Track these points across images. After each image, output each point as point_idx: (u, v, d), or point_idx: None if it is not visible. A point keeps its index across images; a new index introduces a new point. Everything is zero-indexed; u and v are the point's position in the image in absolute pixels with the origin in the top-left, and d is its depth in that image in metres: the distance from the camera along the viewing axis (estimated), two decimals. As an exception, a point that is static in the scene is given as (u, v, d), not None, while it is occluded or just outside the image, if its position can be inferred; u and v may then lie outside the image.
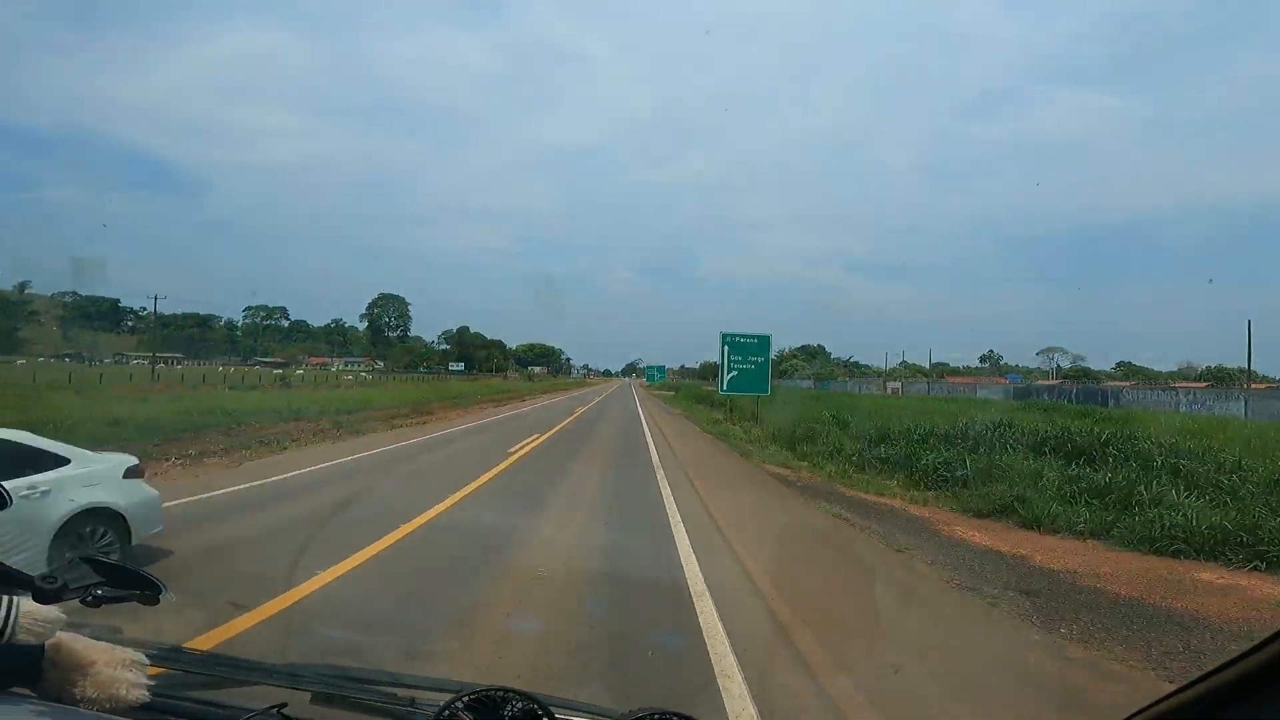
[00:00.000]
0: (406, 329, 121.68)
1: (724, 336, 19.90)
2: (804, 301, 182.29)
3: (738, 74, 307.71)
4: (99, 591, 1.12)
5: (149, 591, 1.18)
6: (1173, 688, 0.86)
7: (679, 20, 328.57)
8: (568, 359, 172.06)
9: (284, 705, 1.17)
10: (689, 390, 55.50)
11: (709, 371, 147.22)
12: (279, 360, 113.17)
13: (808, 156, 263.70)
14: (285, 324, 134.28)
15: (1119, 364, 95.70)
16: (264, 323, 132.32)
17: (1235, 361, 56.59)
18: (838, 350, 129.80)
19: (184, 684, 1.28)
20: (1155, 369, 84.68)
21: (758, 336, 20.19)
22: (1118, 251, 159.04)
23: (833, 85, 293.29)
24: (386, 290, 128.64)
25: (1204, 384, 60.17)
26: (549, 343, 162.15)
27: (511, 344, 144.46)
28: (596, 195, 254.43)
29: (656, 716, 1.16)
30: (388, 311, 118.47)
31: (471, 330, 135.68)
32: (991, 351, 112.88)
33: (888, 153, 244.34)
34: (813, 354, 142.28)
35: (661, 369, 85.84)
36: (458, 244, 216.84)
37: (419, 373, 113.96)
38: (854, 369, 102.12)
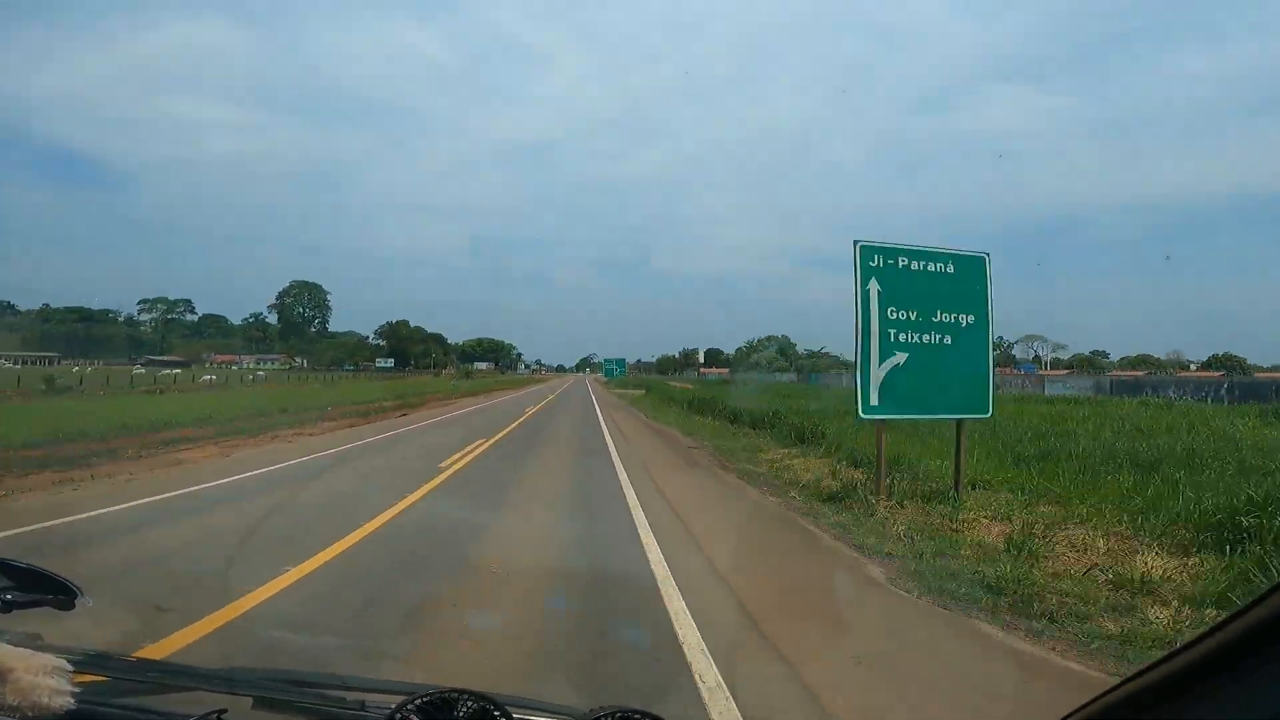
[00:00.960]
0: (325, 321, 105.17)
1: (864, 253, 7.17)
2: (757, 295, 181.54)
3: (693, 70, 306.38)
4: (9, 596, 1.06)
5: (64, 596, 1.11)
6: (1106, 687, 0.84)
7: (633, 15, 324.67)
8: (518, 354, 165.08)
9: (223, 711, 1.10)
10: (660, 390, 42.55)
11: (668, 366, 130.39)
12: (177, 359, 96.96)
13: (762, 151, 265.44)
14: (192, 318, 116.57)
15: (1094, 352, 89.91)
16: (165, 317, 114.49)
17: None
18: (803, 342, 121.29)
19: (112, 691, 1.19)
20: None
21: (958, 258, 7.53)
22: (1066, 243, 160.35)
23: (786, 81, 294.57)
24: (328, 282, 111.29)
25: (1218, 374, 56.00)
26: (500, 338, 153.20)
27: (459, 340, 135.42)
28: (550, 190, 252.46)
29: (619, 715, 1.11)
30: (302, 302, 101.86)
31: (412, 325, 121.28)
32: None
33: (841, 148, 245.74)
34: (782, 346, 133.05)
35: (621, 363, 73.32)
36: (407, 240, 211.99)
37: (344, 370, 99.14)
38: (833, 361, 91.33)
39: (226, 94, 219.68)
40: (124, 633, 3.59)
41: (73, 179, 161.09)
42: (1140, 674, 0.79)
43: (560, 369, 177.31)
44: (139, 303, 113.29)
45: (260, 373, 77.38)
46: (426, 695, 1.09)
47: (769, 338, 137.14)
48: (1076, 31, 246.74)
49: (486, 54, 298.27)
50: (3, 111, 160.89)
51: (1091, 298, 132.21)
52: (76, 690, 1.04)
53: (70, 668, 1.06)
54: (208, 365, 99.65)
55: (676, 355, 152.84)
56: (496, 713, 1.09)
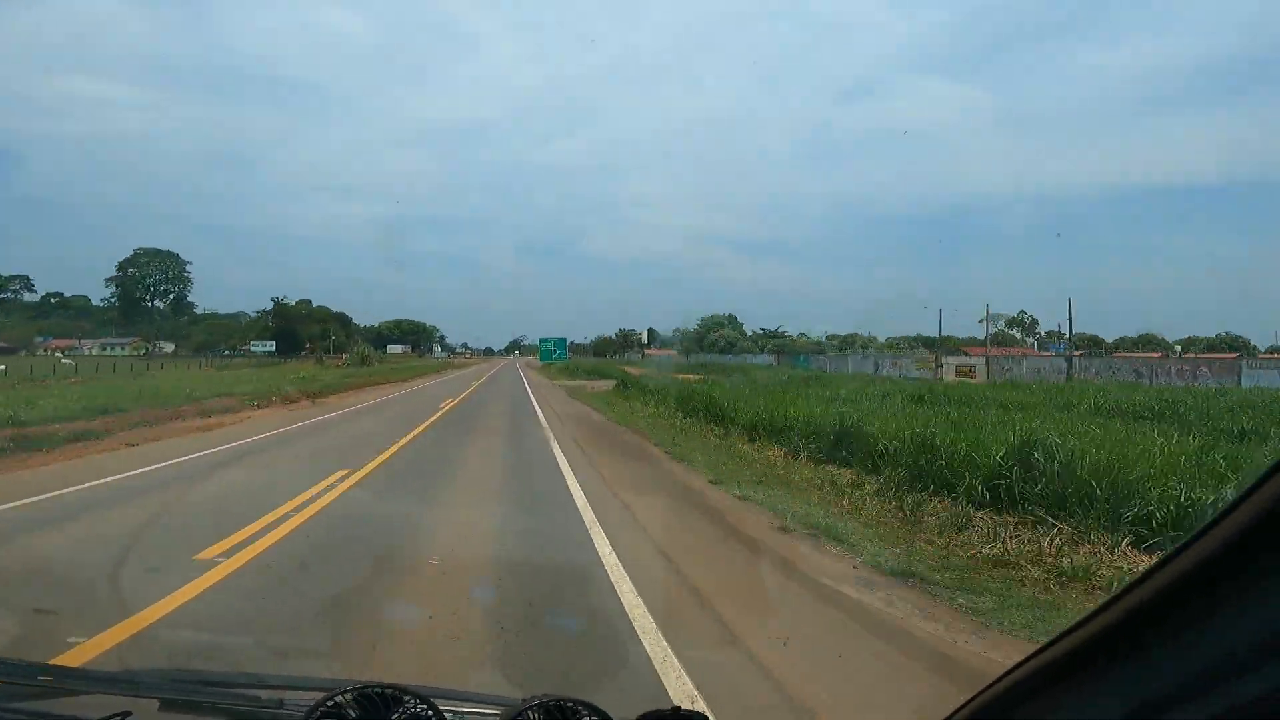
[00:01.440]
0: (182, 296, 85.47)
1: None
2: (686, 279, 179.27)
3: (623, 54, 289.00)
4: None
5: None
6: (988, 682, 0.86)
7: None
8: (441, 336, 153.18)
9: (127, 714, 1.05)
10: (633, 384, 27.84)
11: (605, 348, 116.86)
12: (-7, 345, 76.92)
13: (693, 138, 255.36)
14: (30, 297, 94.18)
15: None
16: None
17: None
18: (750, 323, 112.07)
19: (9, 695, 1.14)
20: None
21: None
22: (974, 229, 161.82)
23: (717, 68, 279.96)
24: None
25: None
26: (420, 319, 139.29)
27: (375, 321, 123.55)
28: (478, 172, 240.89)
29: (553, 703, 1.06)
30: (150, 273, 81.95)
31: (314, 304, 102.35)
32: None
33: (768, 136, 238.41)
34: (732, 325, 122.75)
35: (562, 343, 59.05)
36: (322, 221, 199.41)
37: (217, 355, 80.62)
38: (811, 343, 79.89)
39: (122, 71, 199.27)
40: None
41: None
42: (1017, 667, 0.80)
43: (489, 352, 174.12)
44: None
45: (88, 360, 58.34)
46: (347, 690, 1.02)
47: (714, 316, 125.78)
48: (989, 26, 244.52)
49: (413, 32, 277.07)
50: None
51: (1006, 279, 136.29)
52: None
53: None
54: (40, 351, 79.71)
55: (613, 336, 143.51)
56: (423, 706, 1.03)
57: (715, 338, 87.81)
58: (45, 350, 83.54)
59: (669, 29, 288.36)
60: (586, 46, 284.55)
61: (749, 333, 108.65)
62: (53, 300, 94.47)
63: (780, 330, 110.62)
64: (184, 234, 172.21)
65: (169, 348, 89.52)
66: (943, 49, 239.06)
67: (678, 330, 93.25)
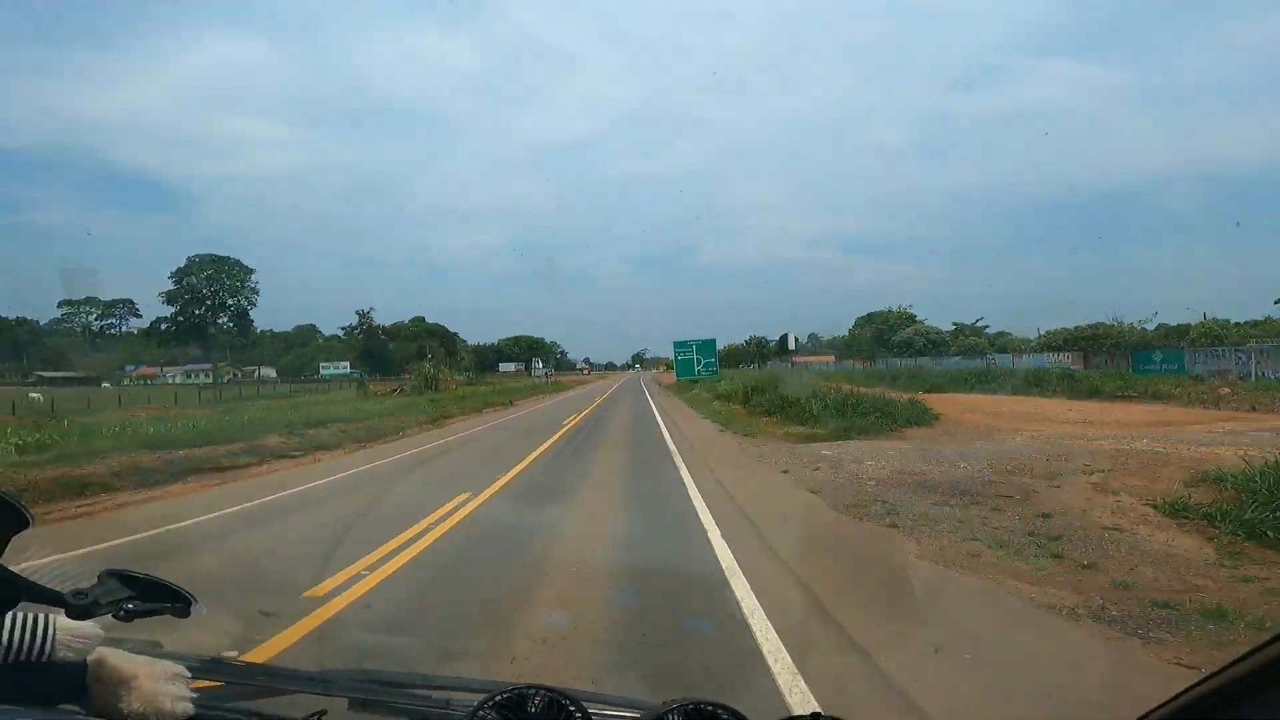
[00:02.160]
0: (243, 312, 72.33)
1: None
2: (803, 283, 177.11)
3: (722, 59, 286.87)
4: (130, 606, 1.07)
5: (180, 604, 1.12)
6: (1190, 682, 0.86)
7: (658, 8, 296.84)
8: (561, 352, 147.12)
9: (323, 713, 1.15)
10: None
11: (740, 356, 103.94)
12: (79, 374, 68.34)
13: (798, 138, 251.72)
14: (137, 322, 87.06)
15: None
16: (93, 322, 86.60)
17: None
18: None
19: (224, 695, 1.25)
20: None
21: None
22: (1129, 215, 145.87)
23: (818, 66, 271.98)
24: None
25: None
26: (542, 336, 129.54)
27: (492, 339, 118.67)
28: (589, 189, 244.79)
29: (691, 707, 1.08)
30: (210, 284, 69.25)
31: (426, 320, 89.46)
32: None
33: (879, 131, 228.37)
34: (904, 320, 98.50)
35: (710, 346, 39.01)
36: (449, 246, 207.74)
37: (300, 380, 68.40)
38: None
39: (268, 110, 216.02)
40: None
41: (141, 203, 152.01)
42: (1226, 669, 0.79)
43: (609, 367, 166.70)
44: (60, 304, 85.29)
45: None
46: (505, 692, 1.11)
47: (887, 312, 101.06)
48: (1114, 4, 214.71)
49: (514, 57, 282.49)
50: (79, 135, 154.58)
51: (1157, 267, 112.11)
52: (194, 696, 1.09)
53: (188, 674, 1.12)
54: (125, 381, 71.44)
55: (743, 344, 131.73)
56: (572, 708, 1.10)
57: (909, 335, 63.82)
58: (130, 379, 76.18)
59: (765, 29, 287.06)
60: (681, 56, 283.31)
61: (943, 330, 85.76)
62: (163, 326, 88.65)
63: (979, 325, 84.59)
64: (328, 267, 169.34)
65: (269, 372, 79.30)
66: (1067, 29, 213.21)
67: (852, 330, 71.95)
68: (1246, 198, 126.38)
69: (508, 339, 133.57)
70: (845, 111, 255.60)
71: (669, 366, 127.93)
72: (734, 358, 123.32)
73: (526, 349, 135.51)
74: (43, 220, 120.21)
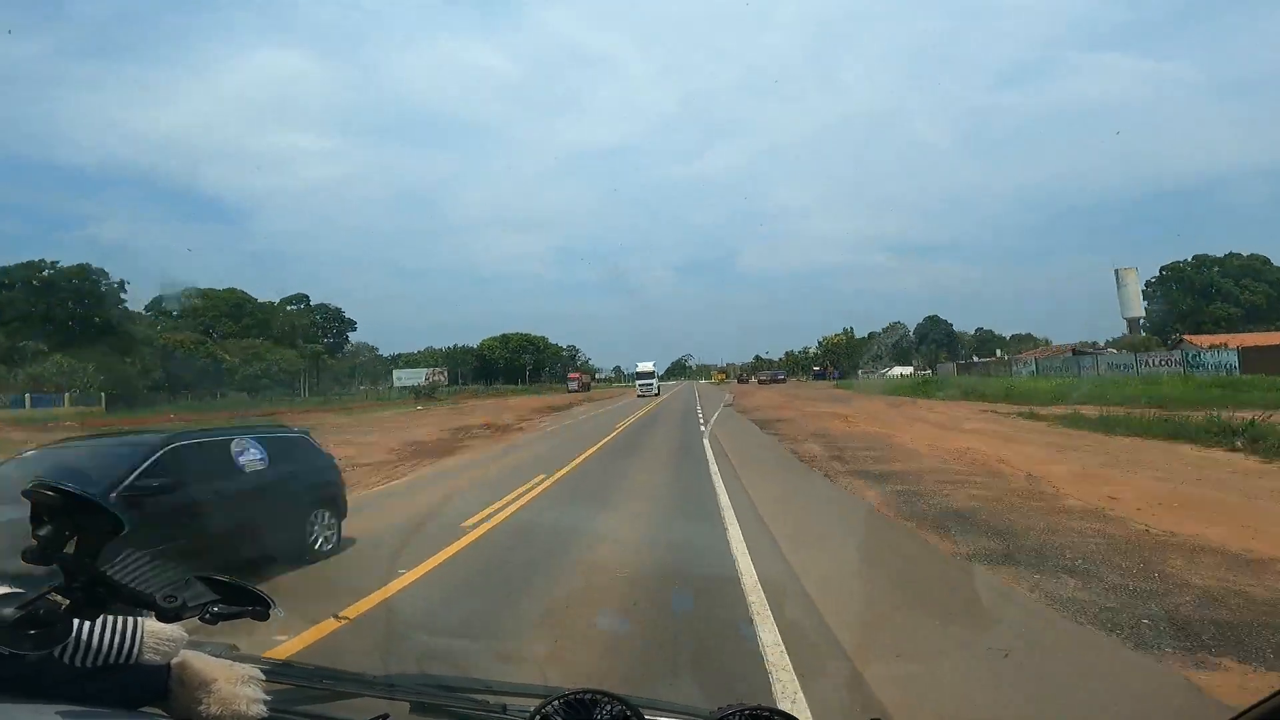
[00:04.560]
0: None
1: None
2: (847, 288, 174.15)
3: (760, 61, 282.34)
4: (216, 609, 1.07)
5: (260, 607, 1.11)
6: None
7: (694, 12, 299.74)
8: (572, 355, 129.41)
9: (385, 716, 1.19)
10: None
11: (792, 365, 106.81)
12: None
13: (839, 140, 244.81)
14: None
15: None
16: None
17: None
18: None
19: (293, 698, 1.28)
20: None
21: None
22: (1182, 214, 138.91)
23: (859, 65, 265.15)
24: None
25: None
26: (545, 335, 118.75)
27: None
28: (628, 195, 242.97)
29: (747, 713, 1.11)
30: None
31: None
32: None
33: (923, 130, 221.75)
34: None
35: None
36: (492, 255, 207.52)
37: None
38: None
39: (313, 123, 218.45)
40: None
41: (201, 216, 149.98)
42: None
43: (648, 377, 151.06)
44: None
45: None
46: (562, 697, 1.11)
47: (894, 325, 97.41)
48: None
49: (551, 64, 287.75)
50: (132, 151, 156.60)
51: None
52: (268, 698, 1.13)
53: (263, 677, 1.16)
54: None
55: (798, 353, 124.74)
56: (629, 713, 1.10)
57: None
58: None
59: (802, 29, 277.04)
60: (719, 59, 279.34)
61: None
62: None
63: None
64: (379, 278, 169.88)
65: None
66: (1121, 23, 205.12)
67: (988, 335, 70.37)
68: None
69: (493, 338, 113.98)
70: (886, 111, 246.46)
71: (729, 375, 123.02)
72: (789, 365, 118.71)
73: (520, 350, 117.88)
74: (108, 235, 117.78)
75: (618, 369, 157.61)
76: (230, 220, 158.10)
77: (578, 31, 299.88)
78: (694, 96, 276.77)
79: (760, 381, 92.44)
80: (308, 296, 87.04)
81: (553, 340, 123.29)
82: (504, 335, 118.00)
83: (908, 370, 73.15)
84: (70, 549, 0.92)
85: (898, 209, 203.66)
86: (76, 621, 0.99)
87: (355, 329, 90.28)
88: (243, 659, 1.21)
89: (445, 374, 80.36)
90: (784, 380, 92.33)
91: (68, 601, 0.95)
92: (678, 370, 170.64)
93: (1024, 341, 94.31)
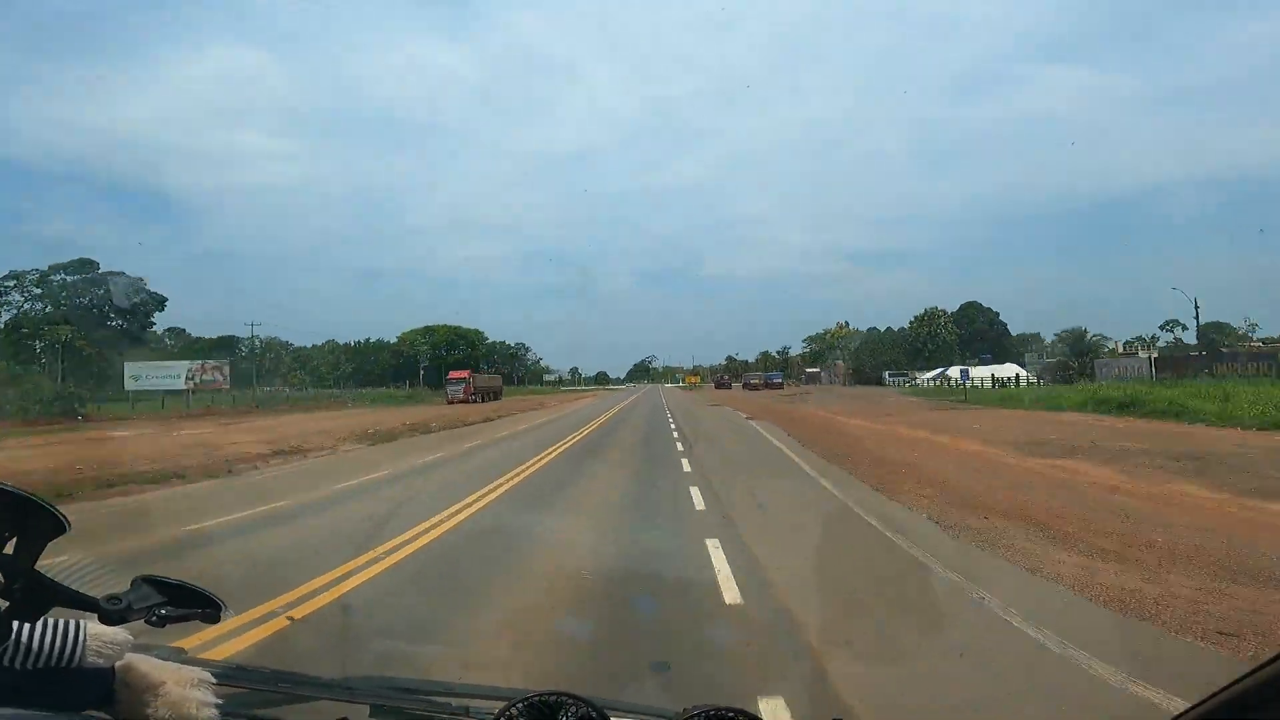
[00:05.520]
0: None
1: None
2: (806, 296, 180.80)
3: (722, 70, 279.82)
4: (163, 611, 1.08)
5: (210, 609, 1.13)
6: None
7: (658, 19, 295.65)
8: (537, 359, 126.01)
9: None
10: None
11: (773, 368, 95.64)
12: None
13: (800, 148, 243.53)
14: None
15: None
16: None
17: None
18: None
19: (247, 702, 1.23)
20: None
21: None
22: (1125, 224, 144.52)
23: (818, 75, 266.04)
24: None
25: None
26: (478, 328, 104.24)
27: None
28: (589, 201, 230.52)
29: (711, 713, 1.09)
30: None
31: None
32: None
33: (883, 140, 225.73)
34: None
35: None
36: (453, 257, 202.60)
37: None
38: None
39: (267, 123, 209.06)
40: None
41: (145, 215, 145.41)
42: (1251, 674, 0.79)
43: (599, 380, 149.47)
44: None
45: None
46: (526, 699, 1.10)
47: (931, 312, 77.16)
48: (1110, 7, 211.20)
49: (512, 67, 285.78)
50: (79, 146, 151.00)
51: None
52: (219, 703, 1.08)
53: (214, 680, 1.11)
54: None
55: (776, 354, 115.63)
56: (594, 715, 1.08)
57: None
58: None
59: (763, 40, 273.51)
60: (683, 68, 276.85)
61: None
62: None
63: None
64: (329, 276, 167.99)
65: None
66: (1064, 35, 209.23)
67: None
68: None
69: (415, 330, 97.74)
70: (845, 121, 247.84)
71: (705, 379, 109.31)
72: (771, 367, 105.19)
73: (445, 346, 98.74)
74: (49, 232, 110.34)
75: (574, 371, 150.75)
76: (174, 220, 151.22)
77: (543, 38, 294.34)
78: (657, 105, 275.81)
79: (749, 386, 69.57)
80: (96, 263, 62.74)
81: (497, 337, 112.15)
82: (427, 327, 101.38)
83: (1010, 371, 55.51)
84: (9, 549, 0.89)
85: (853, 217, 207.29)
86: (16, 623, 0.96)
87: (164, 308, 71.54)
88: (192, 662, 1.18)
89: (227, 370, 54.81)
90: (781, 384, 69.99)
91: (6, 603, 0.92)
92: (640, 373, 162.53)
93: (1030, 341, 78.98)
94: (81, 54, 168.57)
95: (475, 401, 51.69)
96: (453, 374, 58.29)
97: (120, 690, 1.05)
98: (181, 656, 1.20)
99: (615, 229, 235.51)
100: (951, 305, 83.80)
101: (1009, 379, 51.97)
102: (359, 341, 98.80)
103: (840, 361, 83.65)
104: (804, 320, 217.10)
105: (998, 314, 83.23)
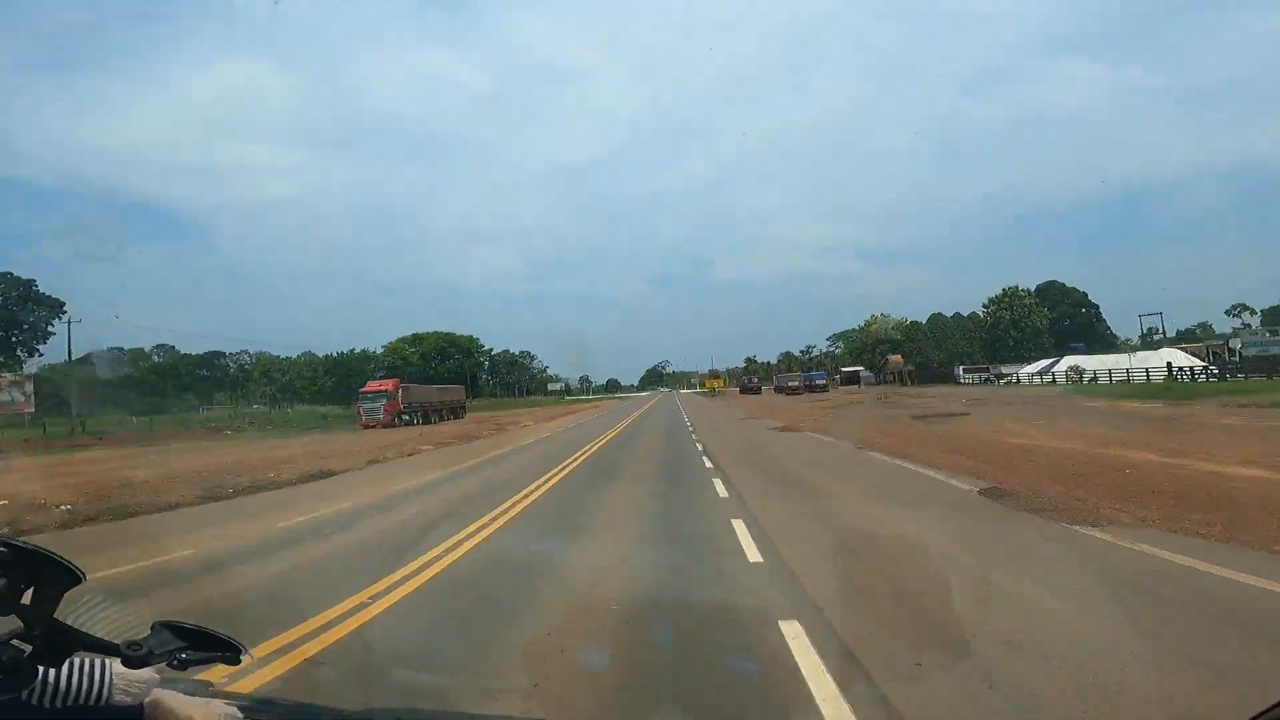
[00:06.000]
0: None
1: None
2: (820, 294, 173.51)
3: (728, 69, 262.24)
4: (184, 655, 1.06)
5: (230, 653, 1.11)
6: None
7: (662, 21, 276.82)
8: (542, 368, 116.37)
9: None
10: None
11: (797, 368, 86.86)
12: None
13: (809, 146, 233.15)
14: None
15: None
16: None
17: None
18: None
19: None
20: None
21: None
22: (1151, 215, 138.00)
23: (828, 72, 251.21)
24: None
25: None
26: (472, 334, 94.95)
27: None
28: (598, 207, 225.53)
29: None
30: None
31: None
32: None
33: (892, 135, 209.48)
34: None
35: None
36: (461, 269, 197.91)
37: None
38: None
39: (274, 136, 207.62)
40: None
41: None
42: None
43: (612, 389, 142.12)
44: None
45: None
46: None
47: (1012, 292, 64.71)
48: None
49: (519, 75, 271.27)
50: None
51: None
52: None
53: (240, 715, 1.13)
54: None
55: (800, 354, 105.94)
56: None
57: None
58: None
59: (771, 38, 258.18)
60: (687, 68, 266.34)
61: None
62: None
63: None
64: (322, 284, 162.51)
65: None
66: (1077, 29, 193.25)
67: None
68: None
69: (403, 339, 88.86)
70: (856, 117, 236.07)
71: (727, 382, 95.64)
72: (794, 368, 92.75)
73: (437, 355, 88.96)
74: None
75: (584, 379, 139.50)
76: (182, 236, 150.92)
77: (549, 43, 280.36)
78: (662, 107, 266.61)
79: (786, 390, 54.86)
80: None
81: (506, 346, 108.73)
82: (416, 335, 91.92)
83: (1159, 361, 41.56)
84: (26, 600, 0.91)
85: (865, 214, 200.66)
86: (40, 668, 0.98)
87: (64, 313, 57.32)
88: (218, 695, 1.19)
89: (29, 387, 43.79)
90: (825, 385, 55.43)
91: (30, 648, 0.94)
92: (653, 379, 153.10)
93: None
94: (83, 67, 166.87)
95: (409, 423, 36.54)
96: (370, 385, 41.23)
97: None
98: (208, 690, 1.22)
99: (624, 234, 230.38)
100: (974, 301, 70.22)
101: (1182, 369, 36.89)
102: (341, 353, 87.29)
103: (893, 356, 68.30)
104: (814, 321, 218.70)
105: (1085, 294, 67.69)
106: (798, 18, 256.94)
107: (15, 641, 0.92)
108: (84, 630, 0.97)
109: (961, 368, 61.17)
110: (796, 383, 58.63)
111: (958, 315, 68.26)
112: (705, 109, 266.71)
